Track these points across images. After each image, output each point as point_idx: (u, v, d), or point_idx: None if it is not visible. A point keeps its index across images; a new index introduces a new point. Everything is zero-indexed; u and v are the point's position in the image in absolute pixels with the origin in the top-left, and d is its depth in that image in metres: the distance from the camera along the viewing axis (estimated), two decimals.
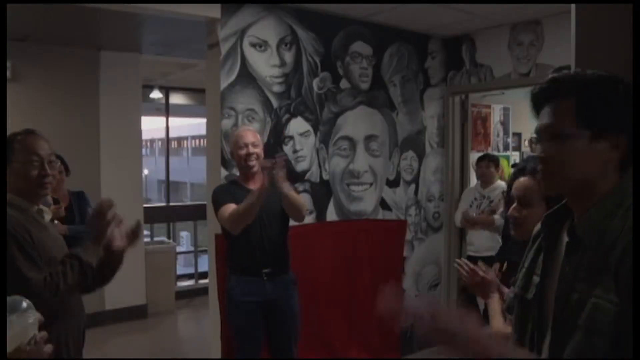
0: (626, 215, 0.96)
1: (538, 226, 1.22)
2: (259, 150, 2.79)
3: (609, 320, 0.91)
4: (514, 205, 1.64)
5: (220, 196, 2.75)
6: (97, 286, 1.99)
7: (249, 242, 2.72)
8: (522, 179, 1.64)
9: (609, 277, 0.92)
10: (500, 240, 4.10)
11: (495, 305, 1.76)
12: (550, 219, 1.12)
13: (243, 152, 2.75)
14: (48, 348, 1.26)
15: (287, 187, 2.65)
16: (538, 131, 1.08)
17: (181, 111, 11.47)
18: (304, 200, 2.77)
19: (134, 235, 1.98)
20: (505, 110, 5.22)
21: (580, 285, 0.97)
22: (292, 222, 3.06)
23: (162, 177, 14.76)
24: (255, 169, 2.75)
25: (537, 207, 1.56)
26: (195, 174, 21.05)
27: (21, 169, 1.81)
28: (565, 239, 1.07)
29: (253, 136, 2.80)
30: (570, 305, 0.98)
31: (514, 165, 1.92)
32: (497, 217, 4.20)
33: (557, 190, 1.08)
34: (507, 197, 1.76)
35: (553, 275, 1.06)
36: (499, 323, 1.69)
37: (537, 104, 1.10)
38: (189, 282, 6.60)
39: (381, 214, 4.13)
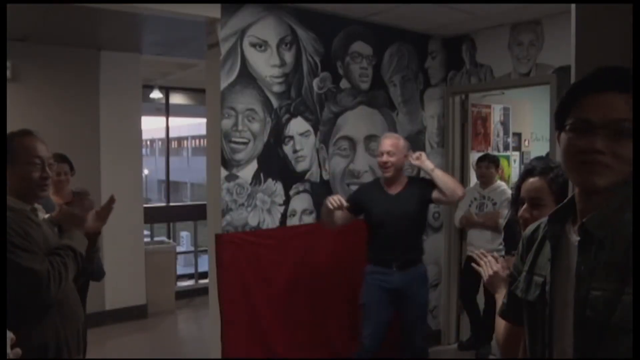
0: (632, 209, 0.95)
1: (530, 229, 1.21)
2: (394, 159, 3.16)
3: None
4: (524, 206, 1.62)
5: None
6: (82, 277, 2.02)
7: (383, 238, 3.17)
8: (532, 180, 1.63)
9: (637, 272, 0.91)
10: (502, 242, 4.10)
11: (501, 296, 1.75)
12: (554, 218, 1.11)
13: (380, 159, 3.20)
14: (15, 354, 1.30)
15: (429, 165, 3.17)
16: (589, 121, 1.00)
17: (181, 111, 11.48)
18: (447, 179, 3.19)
19: (104, 211, 2.09)
20: (505, 110, 5.22)
21: (602, 284, 0.96)
22: (291, 222, 3.07)
23: (162, 177, 14.77)
24: (388, 174, 3.17)
25: (547, 207, 1.54)
26: (195, 174, 21.07)
27: (23, 171, 1.82)
28: (572, 237, 1.06)
29: (391, 144, 3.18)
30: (594, 304, 0.96)
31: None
32: (501, 221, 4.19)
33: (602, 188, 1.01)
34: (515, 199, 1.75)
35: (562, 274, 1.05)
36: None
37: (578, 93, 1.04)
38: (189, 282, 6.60)
39: None
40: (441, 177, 3.13)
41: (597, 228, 0.99)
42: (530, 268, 1.14)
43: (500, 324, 1.50)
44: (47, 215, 3.37)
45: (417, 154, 3.24)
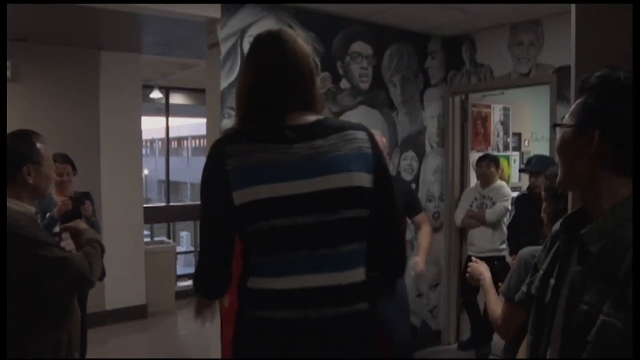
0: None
1: (555, 227, 1.19)
2: None
3: (617, 339, 0.88)
4: (545, 205, 1.77)
5: None
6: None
7: None
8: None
9: (619, 292, 0.89)
10: (506, 241, 4.12)
11: (487, 284, 1.95)
12: (568, 222, 1.09)
13: None
14: None
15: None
16: None
17: (181, 111, 11.47)
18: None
19: None
20: (505, 110, 5.22)
21: (590, 298, 0.95)
22: None
23: (162, 177, 14.76)
24: None
25: (546, 202, 1.73)
26: (195, 174, 20.92)
27: (49, 171, 1.87)
28: None
29: (380, 140, 3.22)
30: (578, 318, 0.96)
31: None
32: (489, 211, 4.21)
33: (560, 181, 1.08)
34: (525, 199, 1.92)
35: (566, 281, 1.05)
36: (494, 296, 1.90)
37: None
38: (189, 282, 6.58)
39: None
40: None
41: (593, 241, 0.97)
42: (547, 269, 1.13)
43: (498, 305, 1.71)
44: (48, 214, 3.40)
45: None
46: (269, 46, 1.35)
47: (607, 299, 0.91)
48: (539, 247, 1.58)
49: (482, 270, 2.00)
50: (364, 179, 1.31)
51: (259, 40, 1.38)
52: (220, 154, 1.30)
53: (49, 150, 1.88)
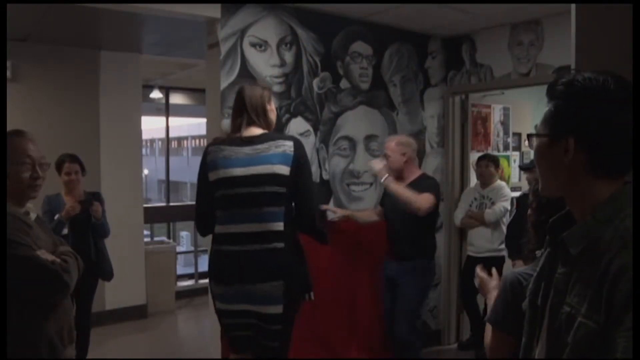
0: (621, 225, 0.92)
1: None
2: (388, 161, 3.33)
3: (592, 342, 0.89)
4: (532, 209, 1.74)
5: None
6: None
7: (389, 229, 3.44)
8: None
9: (597, 294, 0.89)
10: (505, 241, 4.11)
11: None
12: (556, 224, 1.09)
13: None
14: None
15: (392, 187, 3.27)
16: None
17: (181, 111, 11.47)
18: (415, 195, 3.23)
19: None
20: (505, 110, 5.22)
21: (572, 300, 0.96)
22: None
23: (162, 177, 14.77)
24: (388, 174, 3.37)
25: (530, 209, 1.69)
26: (195, 174, 20.90)
27: (13, 171, 1.78)
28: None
29: (387, 147, 3.39)
30: (560, 319, 0.97)
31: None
32: (488, 211, 4.20)
33: (541, 190, 1.10)
34: (526, 202, 1.85)
35: (553, 284, 1.05)
36: None
37: None
38: (189, 282, 6.60)
39: None
40: (400, 195, 3.20)
41: (573, 244, 0.98)
42: (540, 271, 1.13)
43: (489, 330, 1.55)
44: (56, 216, 3.39)
45: (377, 171, 3.34)
46: (237, 94, 2.35)
47: (585, 300, 0.92)
48: (525, 269, 1.57)
49: (491, 287, 1.81)
50: (282, 169, 2.18)
51: (237, 90, 2.37)
52: (205, 152, 2.30)
53: (19, 149, 1.80)
